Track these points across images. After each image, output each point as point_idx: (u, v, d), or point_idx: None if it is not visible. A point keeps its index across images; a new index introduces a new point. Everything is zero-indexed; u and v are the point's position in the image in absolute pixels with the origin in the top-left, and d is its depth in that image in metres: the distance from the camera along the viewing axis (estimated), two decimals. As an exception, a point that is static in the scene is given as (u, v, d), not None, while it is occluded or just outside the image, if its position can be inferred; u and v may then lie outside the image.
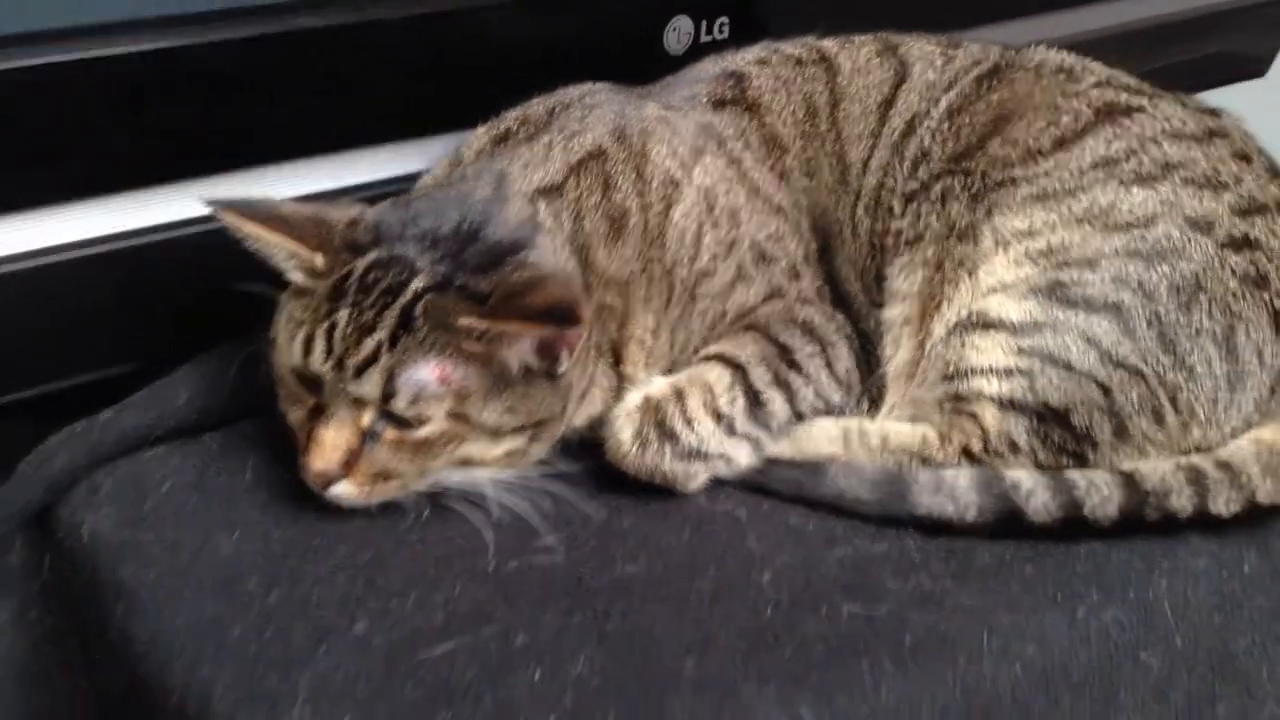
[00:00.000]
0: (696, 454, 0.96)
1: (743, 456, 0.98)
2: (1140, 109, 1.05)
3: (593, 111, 1.07)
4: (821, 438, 1.02)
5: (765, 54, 1.16)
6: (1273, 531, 1.01)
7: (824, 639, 0.85)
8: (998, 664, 0.86)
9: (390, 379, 0.87)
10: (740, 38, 1.25)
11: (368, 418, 0.89)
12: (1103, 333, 0.98)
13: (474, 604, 0.86)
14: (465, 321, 0.87)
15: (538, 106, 1.10)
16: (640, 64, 1.23)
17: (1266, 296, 1.00)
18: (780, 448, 1.01)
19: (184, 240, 1.05)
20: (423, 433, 0.89)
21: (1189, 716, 0.96)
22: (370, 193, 1.12)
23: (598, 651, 0.82)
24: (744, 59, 1.16)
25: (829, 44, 1.17)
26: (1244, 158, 1.06)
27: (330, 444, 0.88)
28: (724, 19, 1.30)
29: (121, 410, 1.01)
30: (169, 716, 0.81)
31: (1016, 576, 0.92)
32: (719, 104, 1.12)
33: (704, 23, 1.29)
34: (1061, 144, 1.03)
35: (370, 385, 0.87)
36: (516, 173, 1.00)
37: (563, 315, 0.88)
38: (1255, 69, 1.93)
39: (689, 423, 0.95)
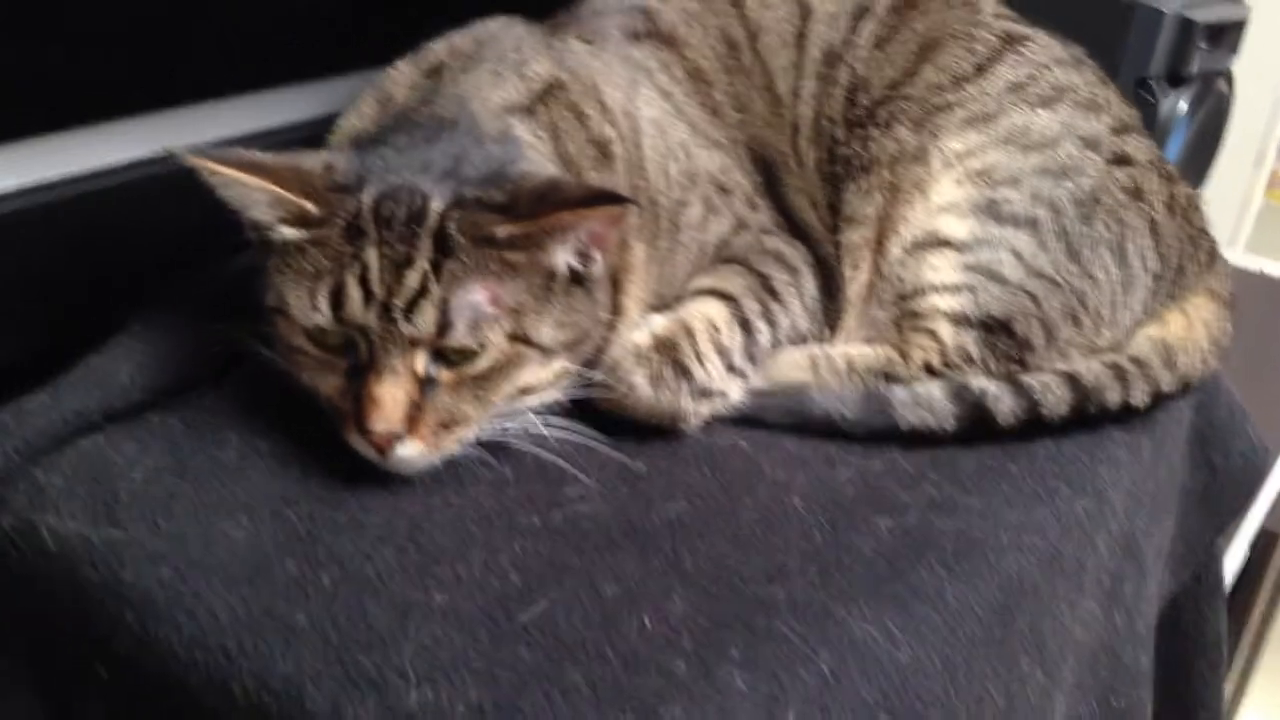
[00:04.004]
0: (705, 391, 0.96)
1: (736, 391, 0.99)
2: (1028, 38, 1.14)
3: (524, 43, 1.04)
4: (791, 366, 1.04)
5: None
6: (1158, 421, 1.14)
7: (878, 554, 0.88)
8: (1017, 558, 0.92)
9: (444, 309, 0.81)
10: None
11: (422, 361, 0.82)
12: (1024, 246, 1.07)
13: (543, 559, 0.82)
14: (507, 230, 0.83)
15: (461, 39, 1.05)
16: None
17: (1144, 207, 1.12)
18: (756, 381, 1.02)
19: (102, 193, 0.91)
20: (483, 363, 0.84)
21: (1111, 595, 1.09)
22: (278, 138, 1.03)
23: (688, 590, 0.81)
24: None
25: None
26: (1105, 82, 1.18)
27: (389, 399, 0.81)
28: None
29: (56, 393, 0.87)
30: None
31: (1003, 477, 0.99)
32: (634, 37, 1.11)
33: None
34: (980, 70, 1.10)
35: (425, 320, 0.81)
36: (473, 94, 0.96)
37: (611, 196, 0.86)
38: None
39: (700, 359, 0.95)
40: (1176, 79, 2.33)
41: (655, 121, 1.03)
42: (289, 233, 0.84)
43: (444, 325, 0.82)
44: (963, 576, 0.88)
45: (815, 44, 1.14)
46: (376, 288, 0.81)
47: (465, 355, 0.83)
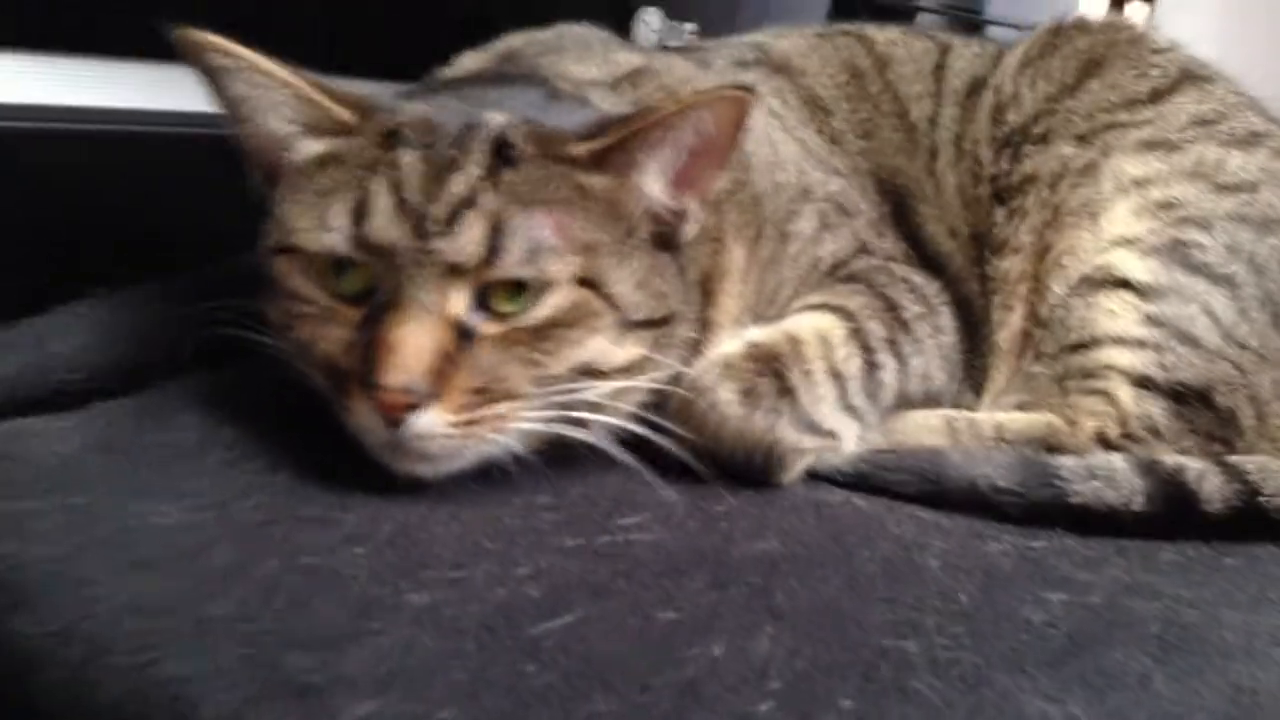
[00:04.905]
0: (810, 424, 0.73)
1: (850, 437, 0.76)
2: (1211, 79, 0.96)
3: (612, 41, 0.91)
4: (922, 429, 0.81)
5: (775, 33, 1.02)
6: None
7: (1053, 626, 0.62)
8: (1249, 666, 0.64)
9: (497, 227, 0.61)
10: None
11: (460, 300, 0.61)
12: (1220, 305, 0.85)
13: (574, 577, 0.58)
14: (586, 146, 0.64)
15: (541, 33, 0.91)
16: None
17: None
18: (875, 439, 0.79)
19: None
20: (543, 311, 0.62)
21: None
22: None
23: (780, 628, 0.56)
24: (752, 37, 1.02)
25: (848, 26, 1.04)
26: None
27: (412, 342, 0.59)
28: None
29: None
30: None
31: (1216, 571, 0.73)
32: (742, 64, 0.96)
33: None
34: (1157, 96, 0.93)
35: (469, 238, 0.60)
36: (550, 67, 0.81)
37: (720, 90, 0.67)
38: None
39: (809, 377, 0.73)
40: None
41: (763, 131, 0.86)
42: (309, 147, 0.66)
43: (494, 249, 0.61)
44: (1177, 671, 0.61)
45: (956, 75, 0.98)
46: (412, 195, 0.61)
47: (518, 297, 0.62)
